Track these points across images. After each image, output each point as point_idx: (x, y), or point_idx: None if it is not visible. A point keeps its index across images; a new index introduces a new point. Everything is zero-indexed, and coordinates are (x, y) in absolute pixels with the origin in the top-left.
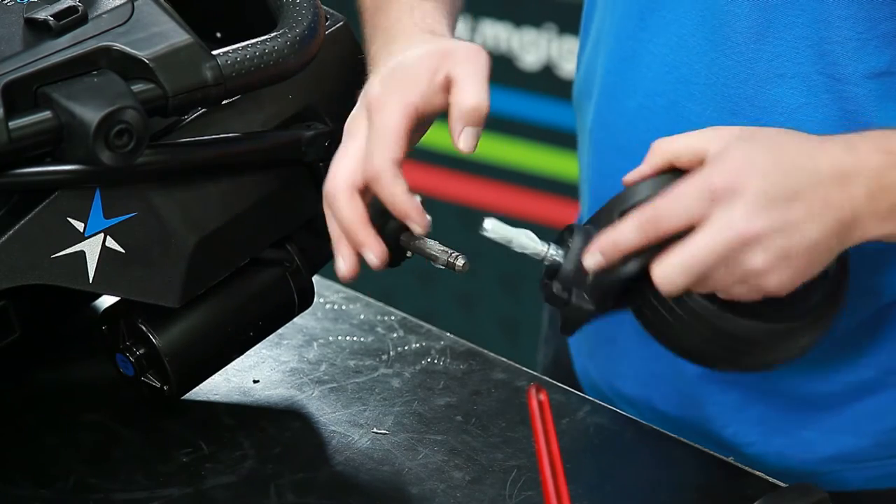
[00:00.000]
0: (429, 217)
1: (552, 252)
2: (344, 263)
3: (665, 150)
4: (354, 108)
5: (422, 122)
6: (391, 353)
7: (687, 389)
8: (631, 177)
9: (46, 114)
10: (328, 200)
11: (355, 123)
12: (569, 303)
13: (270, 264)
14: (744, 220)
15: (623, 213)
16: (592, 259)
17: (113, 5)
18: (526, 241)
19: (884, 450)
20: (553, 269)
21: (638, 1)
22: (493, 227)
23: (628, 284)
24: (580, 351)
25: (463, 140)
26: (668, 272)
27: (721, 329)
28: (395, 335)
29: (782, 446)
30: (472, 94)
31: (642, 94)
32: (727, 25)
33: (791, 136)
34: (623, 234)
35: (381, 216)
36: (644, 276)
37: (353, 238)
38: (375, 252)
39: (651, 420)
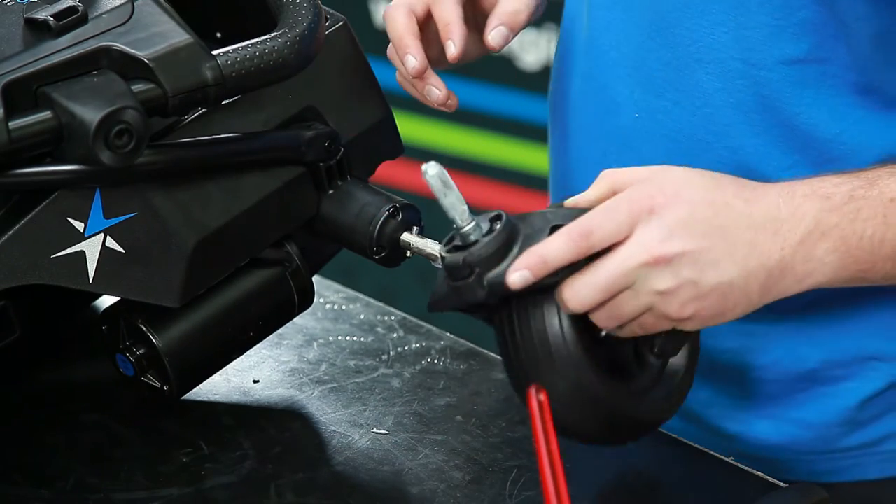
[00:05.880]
0: (457, 46)
1: (474, 227)
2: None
3: (611, 178)
4: None
5: None
6: (391, 353)
7: None
8: (573, 200)
9: (46, 114)
10: (387, 16)
11: None
12: (466, 279)
13: (270, 264)
14: (657, 240)
15: (554, 229)
16: (520, 277)
17: (113, 5)
18: (457, 202)
19: (828, 444)
20: (464, 243)
21: None
22: (436, 173)
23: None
24: None
25: (493, 36)
26: (578, 289)
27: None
28: (395, 335)
29: (733, 431)
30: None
31: (579, 79)
32: (651, 10)
33: (735, 180)
34: (553, 250)
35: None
36: (541, 290)
37: (399, 45)
38: (415, 54)
39: None
